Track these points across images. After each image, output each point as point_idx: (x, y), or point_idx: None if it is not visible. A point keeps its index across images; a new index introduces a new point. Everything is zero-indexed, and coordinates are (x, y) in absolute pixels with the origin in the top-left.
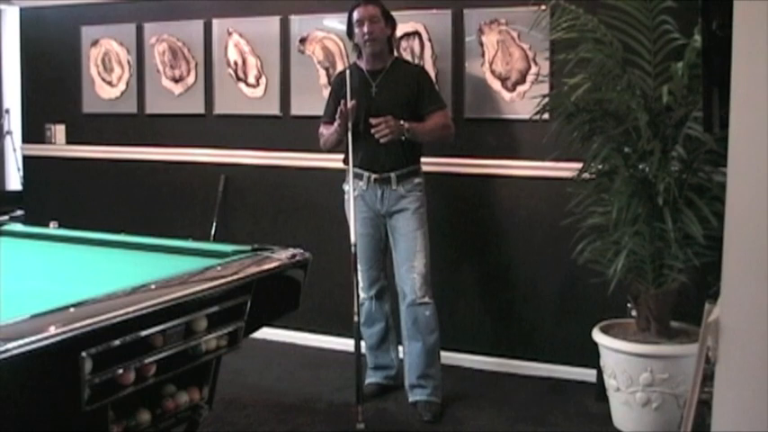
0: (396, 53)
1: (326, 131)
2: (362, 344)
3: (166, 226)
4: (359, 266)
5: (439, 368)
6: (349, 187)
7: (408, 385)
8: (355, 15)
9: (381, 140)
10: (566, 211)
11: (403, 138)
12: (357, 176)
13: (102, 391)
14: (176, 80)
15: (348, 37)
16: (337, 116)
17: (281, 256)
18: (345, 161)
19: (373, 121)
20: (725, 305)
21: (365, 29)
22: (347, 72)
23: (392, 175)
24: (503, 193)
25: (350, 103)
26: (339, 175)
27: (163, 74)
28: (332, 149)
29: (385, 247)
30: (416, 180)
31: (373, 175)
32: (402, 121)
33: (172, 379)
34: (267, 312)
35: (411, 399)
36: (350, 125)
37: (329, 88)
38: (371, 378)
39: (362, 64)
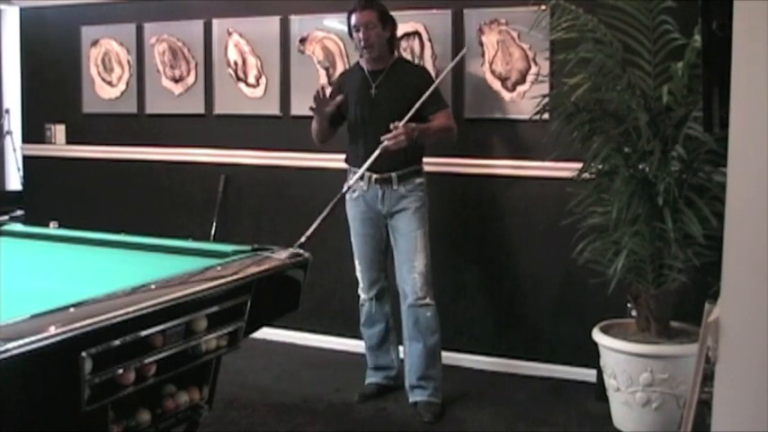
0: (397, 53)
1: (313, 123)
2: (362, 344)
3: (166, 226)
4: (358, 267)
5: (440, 369)
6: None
7: (408, 386)
8: (352, 21)
9: (392, 147)
10: (566, 211)
11: (415, 136)
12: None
13: (102, 391)
14: (176, 80)
15: (350, 37)
16: (313, 97)
17: (281, 256)
18: (348, 160)
19: (389, 135)
20: (725, 305)
21: (361, 35)
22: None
23: (393, 175)
24: (502, 192)
25: (338, 98)
26: (340, 175)
27: (163, 74)
28: (324, 140)
29: (386, 248)
30: (418, 180)
31: (374, 175)
32: (413, 124)
33: (172, 379)
34: (267, 312)
35: (411, 399)
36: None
37: (329, 88)
38: (371, 378)
39: (364, 63)
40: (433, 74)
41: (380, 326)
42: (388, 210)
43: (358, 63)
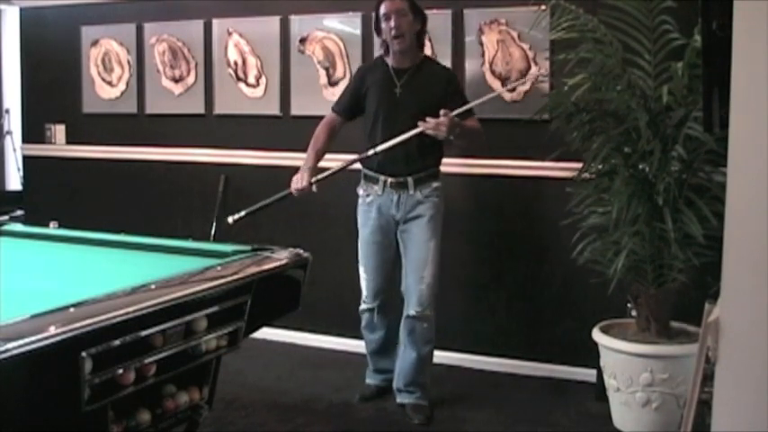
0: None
1: (321, 132)
2: (362, 344)
3: (166, 226)
4: (363, 275)
5: (429, 373)
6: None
7: (396, 388)
8: (382, 9)
9: (428, 132)
10: (566, 211)
11: (453, 135)
12: (372, 180)
13: (102, 391)
14: (176, 80)
15: (375, 33)
16: (296, 185)
17: (281, 256)
18: (362, 160)
19: (433, 120)
20: (725, 305)
21: (392, 23)
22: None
23: (409, 179)
24: (503, 193)
25: (304, 183)
26: (344, 176)
27: (163, 74)
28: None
29: (395, 257)
30: (435, 184)
31: (390, 179)
32: (458, 119)
33: (172, 379)
34: (267, 312)
35: (399, 400)
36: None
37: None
38: (371, 379)
39: (389, 60)
40: None
41: (381, 333)
42: (402, 216)
43: (382, 58)
